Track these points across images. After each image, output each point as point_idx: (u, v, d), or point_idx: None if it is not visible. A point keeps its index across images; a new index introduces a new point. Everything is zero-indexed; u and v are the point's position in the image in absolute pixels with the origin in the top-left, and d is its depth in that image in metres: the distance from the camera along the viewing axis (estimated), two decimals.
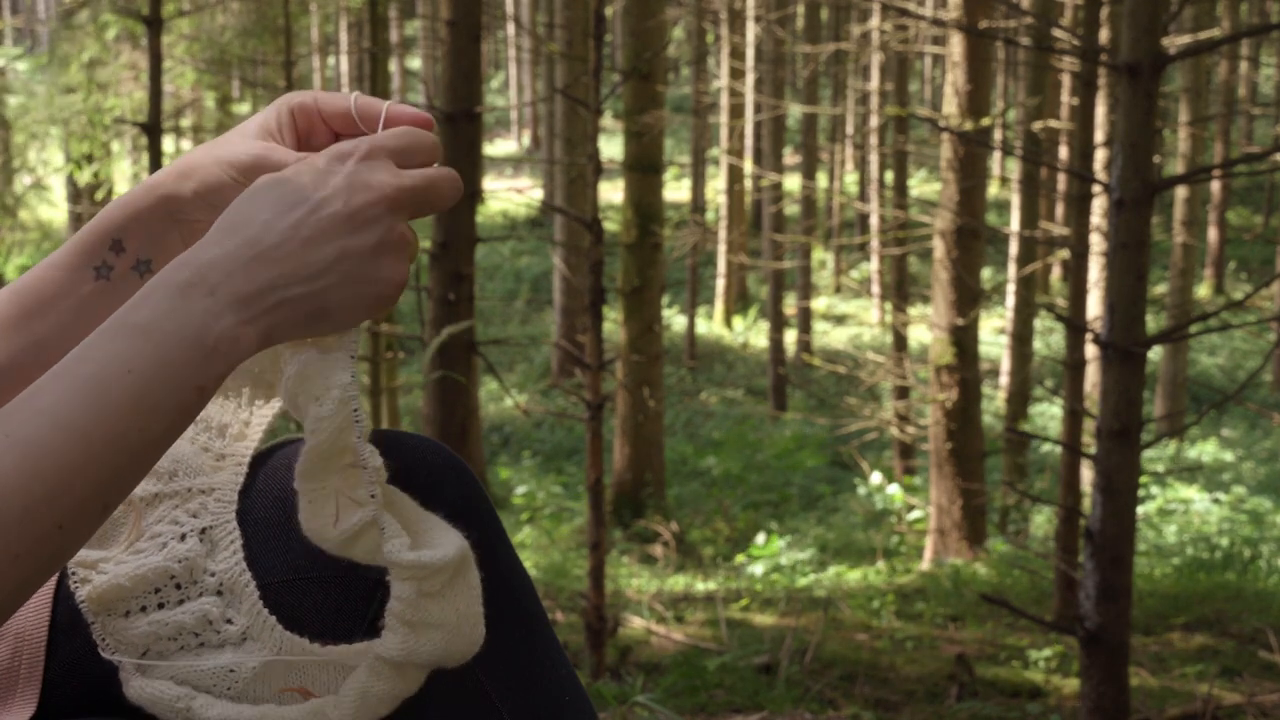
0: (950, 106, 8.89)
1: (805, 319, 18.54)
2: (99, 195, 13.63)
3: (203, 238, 0.85)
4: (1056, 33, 7.76)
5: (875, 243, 16.26)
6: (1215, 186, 19.08)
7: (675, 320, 19.73)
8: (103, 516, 0.80)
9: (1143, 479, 7.70)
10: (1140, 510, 8.56)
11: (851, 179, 24.44)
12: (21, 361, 0.96)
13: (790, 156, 23.61)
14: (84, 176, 11.80)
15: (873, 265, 20.15)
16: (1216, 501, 10.93)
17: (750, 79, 17.60)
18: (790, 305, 18.49)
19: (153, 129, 5.35)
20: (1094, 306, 10.46)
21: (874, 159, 18.62)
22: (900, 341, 12.91)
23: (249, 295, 0.82)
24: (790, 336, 18.10)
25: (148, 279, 0.97)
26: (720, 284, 20.55)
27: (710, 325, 20.45)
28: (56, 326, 0.96)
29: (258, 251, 0.83)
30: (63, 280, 0.97)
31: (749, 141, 19.39)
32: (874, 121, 18.39)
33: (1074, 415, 6.52)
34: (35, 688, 0.95)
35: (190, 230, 0.98)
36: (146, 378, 0.79)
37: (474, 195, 6.78)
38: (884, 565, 9.07)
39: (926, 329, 11.98)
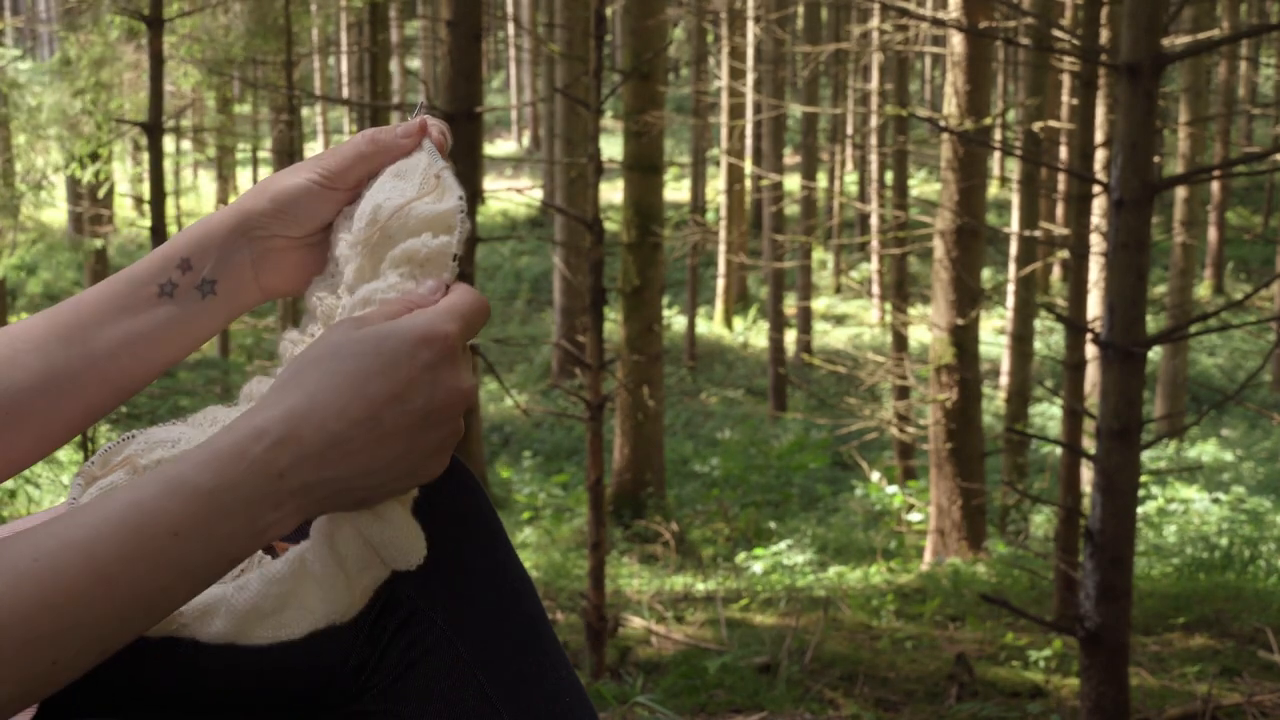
0: (950, 106, 8.88)
1: (805, 319, 18.54)
2: (101, 194, 13.63)
3: (279, 387, 0.83)
4: (1056, 33, 7.76)
5: (875, 243, 16.25)
6: (1215, 186, 19.08)
7: (675, 320, 19.73)
8: (98, 660, 0.79)
9: (1143, 479, 7.70)
10: (1140, 510, 8.56)
11: (851, 179, 24.45)
12: (76, 370, 0.96)
13: (790, 156, 23.61)
14: (87, 176, 11.80)
15: (873, 265, 20.16)
16: (1216, 501, 10.92)
17: (750, 79, 17.60)
18: (790, 305, 18.50)
19: (153, 129, 5.35)
20: (1094, 306, 10.46)
21: (874, 159, 18.63)
22: (900, 341, 12.91)
23: (312, 484, 0.81)
24: (790, 336, 18.11)
25: (210, 300, 0.98)
26: (720, 284, 20.55)
27: (710, 325, 20.45)
28: (112, 339, 0.97)
29: (333, 441, 0.80)
30: (125, 294, 0.97)
31: (749, 141, 19.39)
32: (874, 121, 18.39)
33: (1074, 415, 6.52)
34: None
35: (263, 250, 0.99)
36: (189, 544, 0.78)
37: (474, 195, 6.79)
38: (882, 563, 9.07)
39: (926, 329, 11.98)
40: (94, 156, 11.65)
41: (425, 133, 1.00)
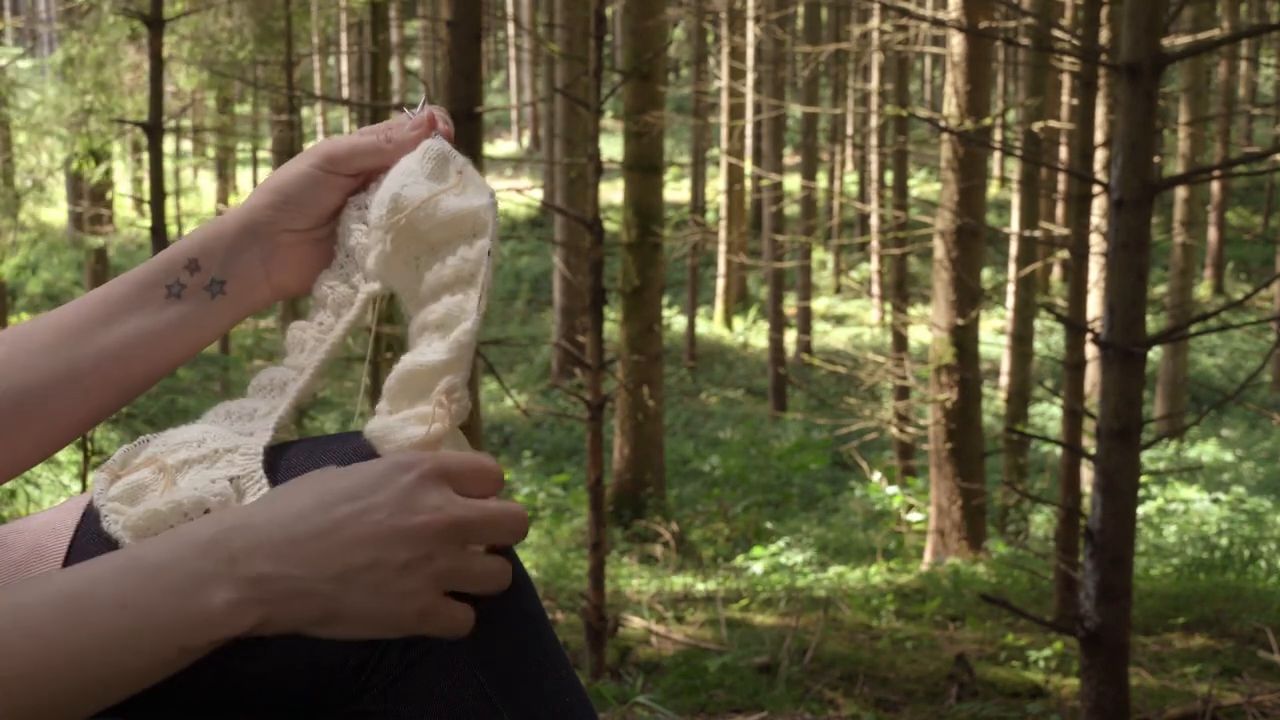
0: (950, 106, 8.88)
1: (805, 319, 18.54)
2: (109, 196, 13.65)
3: (252, 503, 0.83)
4: (1056, 33, 7.76)
5: (875, 243, 16.26)
6: (1215, 186, 19.08)
7: (675, 320, 19.73)
8: None
9: (1143, 479, 7.70)
10: (1140, 510, 8.56)
11: (851, 179, 24.45)
12: (80, 371, 0.96)
13: (790, 156, 23.61)
14: (97, 175, 11.81)
15: (873, 265, 20.16)
16: (1216, 501, 10.92)
17: (750, 79, 17.60)
18: (790, 305, 18.50)
19: (153, 129, 5.35)
20: (1094, 306, 10.46)
21: (874, 159, 18.62)
22: (900, 341, 12.91)
23: (265, 576, 0.79)
24: (790, 336, 18.11)
25: (219, 300, 0.98)
26: (720, 284, 20.55)
27: (710, 325, 20.45)
28: (118, 341, 0.97)
29: (289, 535, 0.79)
30: (131, 295, 0.97)
31: (749, 141, 19.39)
32: (874, 121, 18.39)
33: (1074, 415, 6.52)
34: None
35: (272, 247, 0.99)
36: (133, 619, 0.76)
37: None
38: (883, 563, 9.07)
39: (926, 329, 11.98)
40: (98, 159, 11.65)
41: (434, 125, 1.01)
